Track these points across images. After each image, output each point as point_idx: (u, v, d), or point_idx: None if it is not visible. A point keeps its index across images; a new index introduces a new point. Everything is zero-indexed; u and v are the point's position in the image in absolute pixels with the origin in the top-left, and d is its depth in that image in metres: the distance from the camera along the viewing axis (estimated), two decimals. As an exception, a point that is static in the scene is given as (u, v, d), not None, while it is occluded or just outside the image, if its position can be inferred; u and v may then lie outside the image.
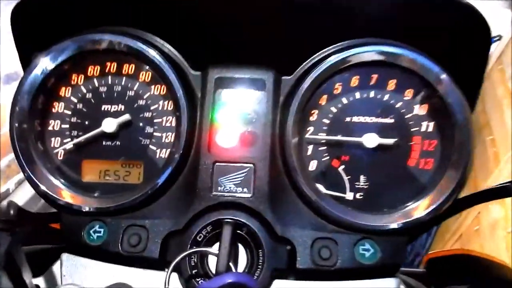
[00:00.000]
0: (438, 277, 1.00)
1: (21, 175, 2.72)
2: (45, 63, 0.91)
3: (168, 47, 0.95)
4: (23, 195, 2.70)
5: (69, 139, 0.96)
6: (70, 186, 0.94)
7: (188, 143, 0.89)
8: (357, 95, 0.93)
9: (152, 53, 0.90)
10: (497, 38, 3.64)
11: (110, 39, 0.90)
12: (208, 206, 0.87)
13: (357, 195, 0.94)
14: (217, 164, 0.89)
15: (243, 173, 0.89)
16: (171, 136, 0.95)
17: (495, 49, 3.67)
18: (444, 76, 0.86)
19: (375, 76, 0.93)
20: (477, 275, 0.97)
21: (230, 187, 0.89)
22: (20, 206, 0.77)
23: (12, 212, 0.73)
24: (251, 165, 0.89)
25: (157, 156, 0.95)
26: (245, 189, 0.89)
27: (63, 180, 0.94)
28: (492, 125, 3.05)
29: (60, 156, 0.96)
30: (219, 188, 0.89)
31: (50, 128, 0.96)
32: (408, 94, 0.93)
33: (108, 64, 0.95)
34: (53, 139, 0.96)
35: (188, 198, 0.89)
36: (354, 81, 0.93)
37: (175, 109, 0.93)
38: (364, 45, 0.89)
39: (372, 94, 0.93)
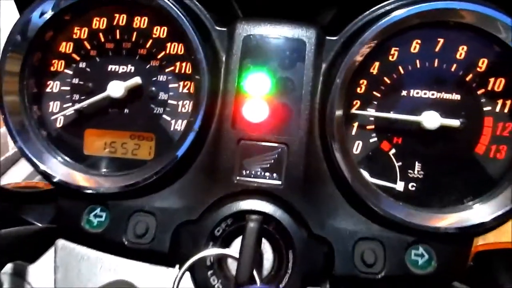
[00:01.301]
0: (487, 273, 0.86)
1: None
2: (42, 11, 0.76)
3: None
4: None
5: (70, 104, 0.83)
6: (69, 159, 0.81)
7: (208, 114, 0.75)
8: (417, 63, 0.77)
9: (168, 3, 0.74)
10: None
11: None
12: (229, 194, 0.73)
13: (409, 186, 0.78)
14: (242, 142, 0.74)
15: (273, 154, 0.73)
16: (188, 105, 0.80)
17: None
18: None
19: (441, 41, 0.76)
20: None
21: (257, 171, 0.74)
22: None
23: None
24: (284, 145, 0.73)
25: (172, 128, 0.81)
26: (274, 175, 0.74)
27: (61, 153, 0.81)
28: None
29: (59, 123, 0.84)
30: (244, 172, 0.74)
31: (48, 89, 0.83)
32: (482, 65, 0.75)
33: (117, 16, 0.81)
34: (51, 103, 0.84)
35: (206, 183, 0.75)
36: (415, 45, 0.77)
37: (194, 72, 0.78)
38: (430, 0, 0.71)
39: (436, 62, 0.76)
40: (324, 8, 0.78)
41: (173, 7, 0.75)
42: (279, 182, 0.73)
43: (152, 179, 0.74)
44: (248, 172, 0.74)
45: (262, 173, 0.74)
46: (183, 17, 0.75)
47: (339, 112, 0.74)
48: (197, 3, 0.79)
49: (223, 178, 0.74)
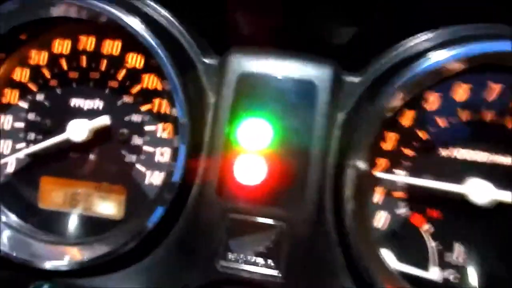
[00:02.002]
0: None
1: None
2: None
3: (169, 19, 0.66)
4: None
5: (24, 145, 0.70)
6: (16, 218, 0.68)
7: (189, 175, 0.59)
8: (464, 115, 0.61)
9: (142, 27, 0.61)
10: None
11: (83, 4, 0.61)
12: (209, 283, 0.58)
13: (447, 274, 0.62)
14: (229, 215, 0.58)
15: (270, 234, 0.58)
16: (167, 153, 0.66)
17: None
18: None
19: (497, 88, 0.59)
20: None
21: (247, 256, 0.58)
22: None
23: None
24: (284, 223, 0.57)
25: (146, 182, 0.67)
26: (270, 262, 0.58)
27: (6, 208, 0.68)
28: None
29: (10, 167, 0.70)
30: (231, 256, 0.58)
31: None
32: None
33: (83, 38, 0.69)
34: (1, 141, 0.71)
35: (182, 266, 0.61)
36: (462, 93, 0.59)
37: (173, 114, 0.65)
38: (481, 39, 0.54)
39: (488, 115, 0.60)
40: (342, 40, 0.61)
41: (145, 31, 0.60)
42: (276, 273, 0.58)
43: (114, 255, 0.60)
44: (235, 256, 0.59)
45: (255, 259, 0.59)
46: (156, 45, 0.60)
47: (360, 176, 0.58)
48: (180, 27, 0.63)
49: (204, 262, 0.59)
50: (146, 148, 0.67)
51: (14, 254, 0.62)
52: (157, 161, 0.66)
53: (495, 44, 0.56)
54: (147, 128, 0.66)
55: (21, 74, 0.69)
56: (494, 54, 0.57)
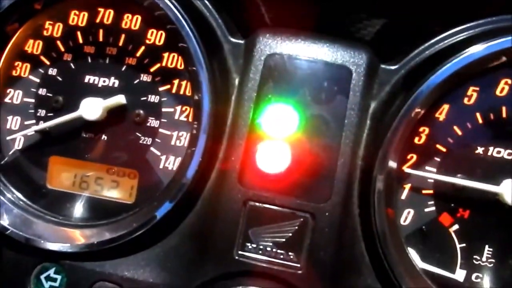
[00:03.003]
0: None
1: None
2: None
3: None
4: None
5: (33, 121, 0.68)
6: (23, 197, 0.65)
7: (208, 159, 0.57)
8: (503, 111, 0.58)
9: (168, 3, 0.58)
10: None
11: None
12: (226, 274, 0.55)
13: (473, 277, 0.60)
14: (250, 203, 0.55)
15: (292, 225, 0.55)
16: (185, 138, 0.63)
17: None
18: None
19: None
20: None
21: (267, 247, 0.55)
22: None
23: None
24: (308, 214, 0.54)
25: (161, 166, 0.65)
26: (291, 254, 0.56)
27: (14, 186, 0.65)
28: None
29: (18, 145, 0.67)
30: (249, 246, 0.56)
31: (6, 99, 0.68)
32: None
33: (101, 11, 0.66)
34: (9, 117, 0.68)
35: (196, 254, 0.58)
36: (503, 86, 0.58)
37: (194, 95, 0.61)
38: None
39: (528, 114, 0.57)
40: (379, 28, 0.58)
41: (172, 5, 0.57)
42: (298, 265, 0.55)
43: (124, 239, 0.57)
44: (254, 246, 0.57)
45: (274, 250, 0.56)
46: (183, 20, 0.57)
47: (390, 171, 0.56)
48: (208, 3, 0.59)
49: (220, 251, 0.57)
50: (163, 130, 0.64)
51: (21, 234, 0.59)
52: (173, 145, 0.63)
53: None
54: (165, 109, 0.64)
55: (33, 46, 0.66)
56: None
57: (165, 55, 0.63)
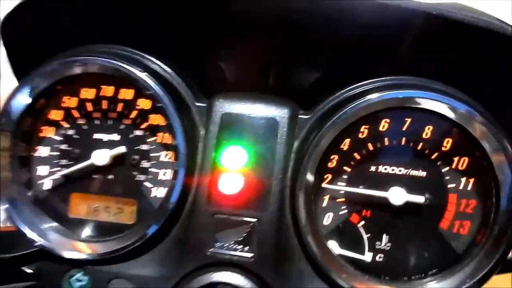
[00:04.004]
0: None
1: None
2: (31, 85, 0.81)
3: (170, 73, 0.84)
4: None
5: (58, 168, 0.86)
6: (54, 222, 0.85)
7: (185, 188, 0.79)
8: (386, 141, 0.80)
9: (150, 80, 0.79)
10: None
11: (102, 63, 0.79)
12: (203, 264, 0.77)
13: (377, 257, 0.81)
14: (216, 216, 0.78)
15: (245, 228, 0.77)
16: (169, 173, 0.84)
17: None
18: (491, 130, 0.72)
19: (408, 121, 0.80)
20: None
21: (229, 245, 0.77)
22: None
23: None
24: (256, 220, 0.77)
25: (152, 195, 0.85)
26: (246, 248, 0.77)
27: (46, 215, 0.85)
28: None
29: (47, 186, 0.87)
30: (217, 245, 0.78)
31: (37, 154, 0.87)
32: (446, 144, 0.79)
33: (104, 87, 0.85)
34: (40, 167, 0.87)
35: (181, 253, 0.78)
36: (384, 124, 0.80)
37: (173, 144, 0.81)
38: (400, 87, 0.76)
39: (403, 141, 0.80)
40: (297, 87, 0.82)
41: (154, 84, 0.79)
42: (251, 255, 0.77)
43: (131, 247, 0.78)
44: (220, 244, 0.78)
45: (234, 246, 0.77)
46: (163, 93, 0.79)
47: (308, 187, 0.77)
48: (177, 78, 0.83)
49: (197, 250, 0.77)
50: (152, 169, 0.83)
51: (55, 249, 0.79)
52: (160, 179, 0.83)
53: (404, 92, 0.75)
54: (153, 154, 0.83)
55: (55, 115, 0.85)
56: (403, 99, 0.75)
57: (151, 116, 0.83)
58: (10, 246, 0.85)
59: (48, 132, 0.86)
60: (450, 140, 0.79)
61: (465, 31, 0.70)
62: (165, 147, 0.84)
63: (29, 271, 0.80)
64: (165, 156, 0.84)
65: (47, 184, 0.87)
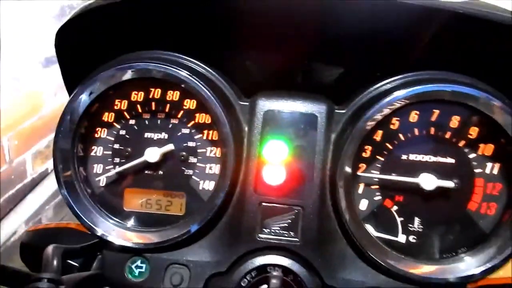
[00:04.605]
0: None
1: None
2: (89, 90, 0.88)
3: (214, 75, 0.91)
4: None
5: (112, 166, 0.94)
6: (111, 215, 0.93)
7: (234, 180, 0.86)
8: (416, 131, 0.86)
9: (196, 82, 0.86)
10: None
11: (154, 68, 0.86)
12: (253, 249, 0.84)
13: (410, 238, 0.88)
14: (263, 204, 0.85)
15: (290, 215, 0.85)
16: (215, 167, 0.91)
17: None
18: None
19: (436, 112, 0.86)
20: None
21: (276, 230, 0.85)
22: (64, 247, 0.76)
23: (55, 263, 0.71)
24: (299, 207, 0.85)
25: (200, 188, 0.92)
26: (292, 233, 0.85)
27: (104, 209, 0.92)
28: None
29: (102, 183, 0.95)
30: (265, 231, 0.85)
31: (92, 153, 0.94)
32: (473, 132, 0.85)
33: (152, 90, 0.91)
34: (95, 165, 0.94)
35: (232, 239, 0.86)
36: (413, 116, 0.86)
37: (219, 140, 0.88)
38: (427, 82, 0.82)
39: (432, 131, 0.86)
40: (333, 85, 0.89)
41: (200, 85, 0.85)
42: (296, 239, 0.84)
43: (185, 236, 0.86)
44: (268, 230, 0.85)
45: (281, 232, 0.85)
46: (209, 93, 0.85)
47: (347, 176, 0.84)
48: (221, 79, 0.90)
49: (247, 236, 0.85)
50: (200, 164, 0.90)
51: (116, 239, 0.87)
52: (208, 173, 0.90)
53: (432, 86, 0.81)
54: (200, 150, 0.90)
55: (108, 117, 0.91)
56: (431, 92, 0.81)
57: (197, 115, 0.89)
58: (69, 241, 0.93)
59: (102, 133, 0.93)
60: (476, 129, 0.85)
61: (479, 25, 0.76)
62: (211, 143, 0.90)
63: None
64: (211, 151, 0.91)
65: (103, 181, 0.94)
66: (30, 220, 2.51)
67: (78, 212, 0.89)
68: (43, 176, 2.73)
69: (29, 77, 2.25)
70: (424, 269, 0.83)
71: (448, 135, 0.86)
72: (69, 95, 0.93)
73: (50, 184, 2.75)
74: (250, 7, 0.82)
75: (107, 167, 0.94)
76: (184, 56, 0.90)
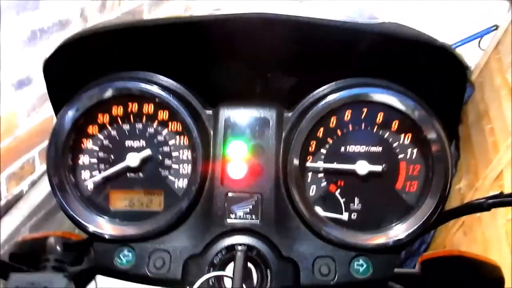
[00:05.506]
0: (432, 278, 1.13)
1: (34, 176, 2.87)
2: (75, 107, 1.03)
3: (182, 89, 1.07)
4: (37, 196, 2.86)
5: (97, 172, 1.08)
6: (100, 213, 1.07)
7: (203, 176, 1.02)
8: (350, 127, 1.05)
9: (167, 96, 1.01)
10: (494, 28, 3.80)
11: (131, 86, 1.01)
12: (222, 232, 1.01)
13: (352, 216, 1.07)
14: (229, 194, 1.02)
15: (251, 202, 1.02)
16: (187, 167, 1.07)
17: (492, 39, 3.83)
18: (424, 114, 0.99)
19: (365, 110, 1.05)
20: (468, 277, 1.11)
21: (240, 215, 1.02)
22: (63, 239, 0.90)
23: (59, 248, 0.86)
24: (259, 194, 1.02)
25: (176, 186, 1.08)
26: (253, 216, 1.02)
27: (93, 209, 1.06)
28: (491, 114, 3.15)
29: (90, 187, 1.09)
30: (232, 216, 1.02)
31: (80, 162, 1.08)
32: (394, 126, 1.05)
33: (130, 104, 1.06)
34: (83, 171, 1.08)
35: (205, 225, 1.02)
36: (347, 114, 1.05)
37: (190, 144, 1.05)
38: (354, 86, 1.02)
39: (363, 126, 1.05)
40: (282, 92, 1.07)
41: (172, 99, 1.01)
42: (257, 221, 1.02)
43: (164, 226, 1.02)
44: (234, 215, 1.03)
45: (245, 215, 1.02)
46: (179, 106, 1.01)
47: (296, 168, 1.02)
48: (189, 93, 1.07)
49: (216, 222, 1.01)
50: (174, 166, 1.05)
51: (105, 232, 1.02)
52: (181, 173, 1.06)
53: (358, 90, 0.99)
54: (174, 154, 1.05)
55: (92, 129, 1.05)
56: (358, 95, 1.00)
57: (170, 124, 1.03)
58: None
59: (88, 143, 1.08)
60: (397, 122, 1.05)
61: (400, 44, 0.98)
62: (183, 147, 1.06)
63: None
64: (183, 154, 1.07)
65: (90, 185, 1.08)
66: (6, 242, 2.56)
67: (71, 213, 1.03)
68: (18, 197, 2.79)
69: (1, 99, 2.33)
70: (363, 238, 1.02)
71: (375, 128, 1.05)
72: (55, 113, 1.08)
73: (25, 206, 2.82)
74: (210, 35, 1.00)
75: (93, 173, 1.08)
76: (156, 75, 1.06)
